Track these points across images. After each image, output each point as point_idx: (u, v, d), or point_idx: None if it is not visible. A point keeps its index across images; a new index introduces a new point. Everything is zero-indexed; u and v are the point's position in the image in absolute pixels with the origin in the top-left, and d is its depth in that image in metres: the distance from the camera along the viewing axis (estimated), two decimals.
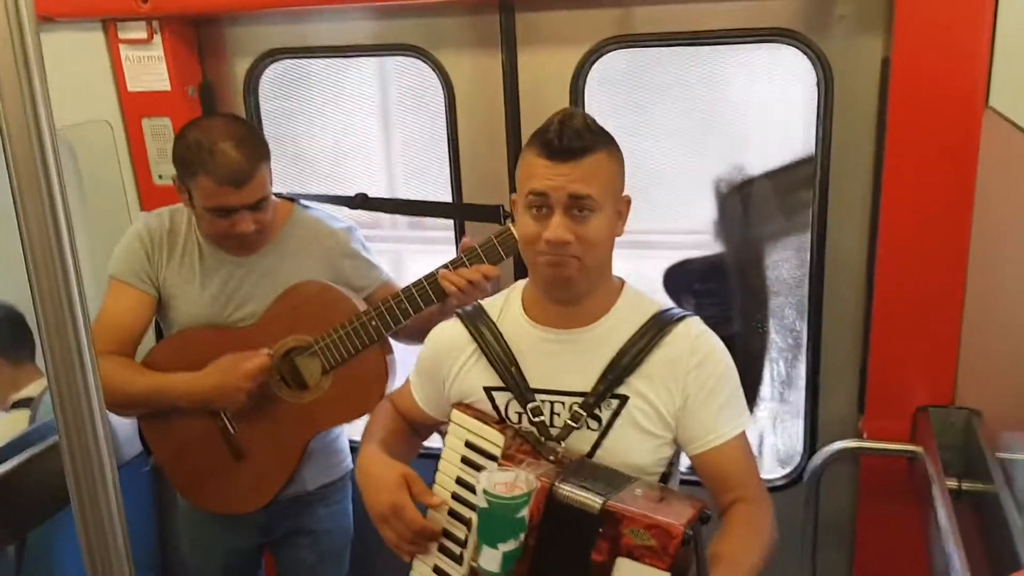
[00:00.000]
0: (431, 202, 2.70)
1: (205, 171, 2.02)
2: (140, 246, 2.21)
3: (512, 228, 2.03)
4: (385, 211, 2.63)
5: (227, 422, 2.23)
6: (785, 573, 2.51)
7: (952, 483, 2.06)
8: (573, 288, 1.66)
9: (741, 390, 1.72)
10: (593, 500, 1.47)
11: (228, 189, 2.03)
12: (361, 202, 2.49)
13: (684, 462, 1.81)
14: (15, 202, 0.88)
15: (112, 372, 2.10)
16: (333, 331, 2.15)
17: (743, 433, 1.71)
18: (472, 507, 1.62)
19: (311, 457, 2.30)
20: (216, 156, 2.02)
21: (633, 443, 1.67)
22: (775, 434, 2.70)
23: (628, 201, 1.69)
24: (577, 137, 1.57)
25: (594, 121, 1.63)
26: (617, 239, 1.70)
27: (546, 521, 1.51)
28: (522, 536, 1.49)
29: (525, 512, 1.48)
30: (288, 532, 2.43)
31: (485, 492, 1.47)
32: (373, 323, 2.14)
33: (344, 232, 2.32)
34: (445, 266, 2.13)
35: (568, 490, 1.50)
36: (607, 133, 1.65)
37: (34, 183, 0.88)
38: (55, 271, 0.90)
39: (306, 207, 2.36)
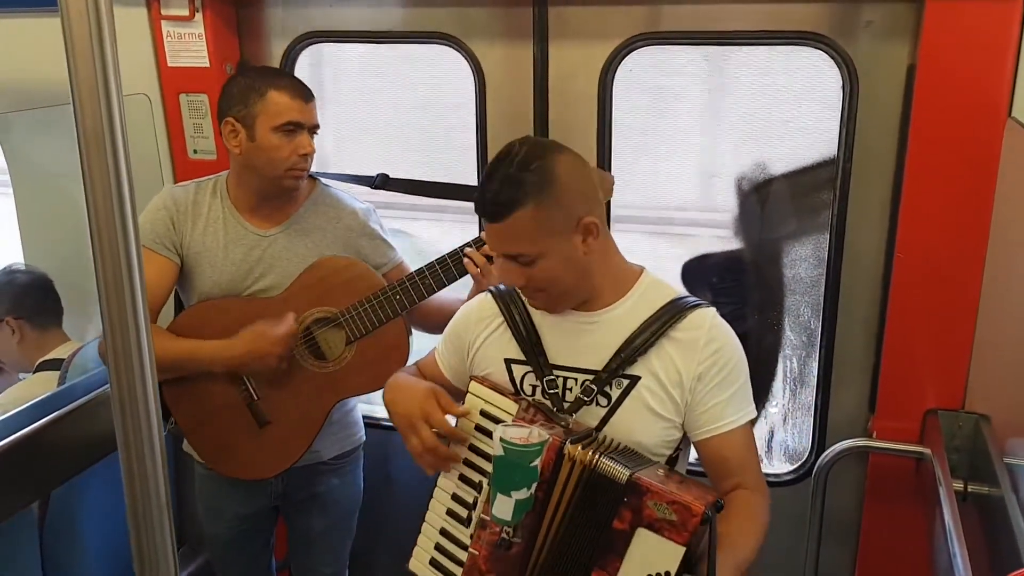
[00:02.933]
0: (451, 184, 2.71)
1: (276, 86, 2.18)
2: (166, 213, 2.27)
3: None
4: (406, 192, 2.66)
5: (251, 389, 2.30)
6: (789, 567, 2.57)
7: (958, 485, 2.10)
8: (559, 309, 1.76)
9: (749, 381, 1.77)
10: (621, 471, 1.53)
11: (299, 103, 2.18)
12: (382, 183, 2.55)
13: (693, 452, 1.85)
14: (82, 164, 0.93)
15: None
16: (359, 304, 2.22)
17: (748, 423, 1.75)
18: (483, 472, 1.68)
19: (328, 428, 2.37)
20: (282, 76, 2.24)
21: (640, 422, 1.72)
22: (785, 430, 2.74)
23: (593, 224, 1.66)
24: (495, 200, 1.62)
25: (523, 166, 1.61)
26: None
27: (573, 485, 1.57)
28: (533, 486, 1.55)
29: (538, 462, 1.54)
30: (301, 499, 2.50)
31: (501, 440, 1.53)
32: (397, 297, 2.21)
33: (364, 212, 2.38)
34: (469, 244, 2.20)
35: (598, 458, 1.55)
36: (535, 179, 1.60)
37: (101, 147, 0.93)
38: (116, 234, 0.95)
39: (327, 185, 2.42)
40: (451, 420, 1.75)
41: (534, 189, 1.60)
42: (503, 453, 1.53)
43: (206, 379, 2.29)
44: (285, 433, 2.32)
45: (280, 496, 2.49)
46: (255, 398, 2.30)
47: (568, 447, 1.57)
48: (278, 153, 2.18)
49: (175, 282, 2.31)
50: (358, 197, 2.45)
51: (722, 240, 2.68)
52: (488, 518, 1.59)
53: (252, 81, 2.20)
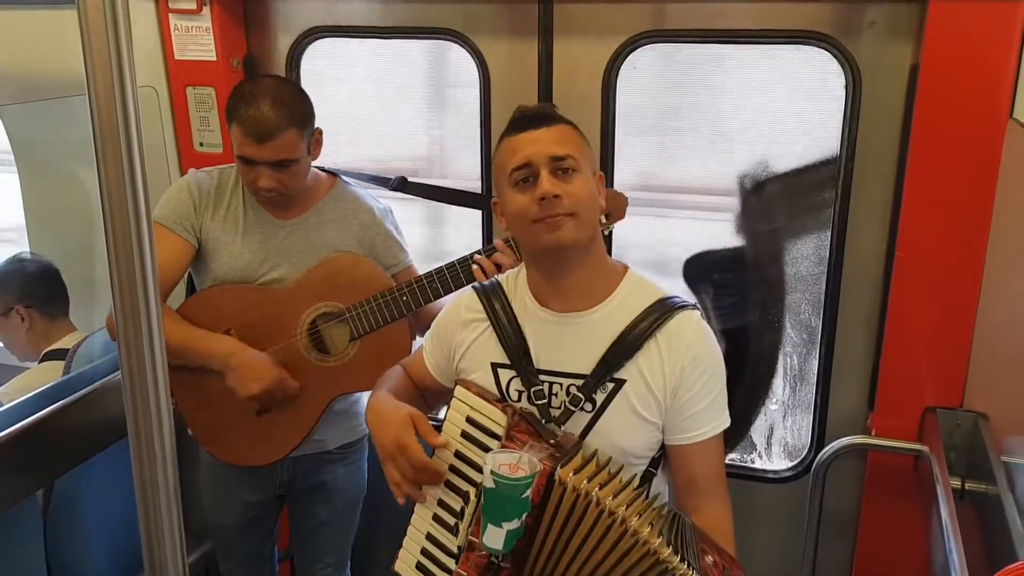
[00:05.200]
0: (468, 192, 2.74)
1: (238, 121, 2.15)
2: (188, 197, 2.30)
3: None
4: (423, 196, 2.67)
5: None
6: (787, 562, 2.59)
7: (956, 483, 2.11)
8: (571, 253, 1.68)
9: (725, 388, 1.76)
10: (685, 571, 1.50)
11: (251, 142, 2.14)
12: (400, 185, 2.57)
13: None
14: (96, 155, 0.95)
15: None
16: (365, 302, 2.24)
17: (720, 433, 1.75)
18: (469, 480, 1.67)
19: (334, 418, 2.39)
20: (250, 109, 2.13)
21: (625, 427, 1.71)
22: (784, 426, 2.75)
23: (602, 178, 1.77)
24: (543, 109, 1.74)
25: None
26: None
27: (566, 512, 1.56)
28: (525, 516, 1.54)
29: (529, 493, 1.53)
30: (306, 487, 2.53)
31: (492, 473, 1.52)
32: (404, 298, 2.23)
33: (381, 211, 2.41)
34: (479, 251, 2.20)
35: (659, 544, 1.51)
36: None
37: (115, 139, 0.94)
38: (129, 223, 0.96)
39: (348, 182, 2.44)
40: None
41: (570, 121, 1.76)
42: (494, 486, 1.52)
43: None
44: (281, 423, 2.34)
45: (286, 485, 2.52)
46: None
47: (559, 472, 1.56)
48: (244, 178, 2.24)
49: (189, 264, 2.34)
50: (377, 197, 2.47)
51: (721, 223, 2.69)
52: (477, 540, 1.58)
53: (235, 101, 2.17)
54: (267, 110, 2.13)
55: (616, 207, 2.14)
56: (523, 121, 1.70)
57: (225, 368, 2.25)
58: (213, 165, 2.41)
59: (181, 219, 2.29)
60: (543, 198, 1.63)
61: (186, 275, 2.40)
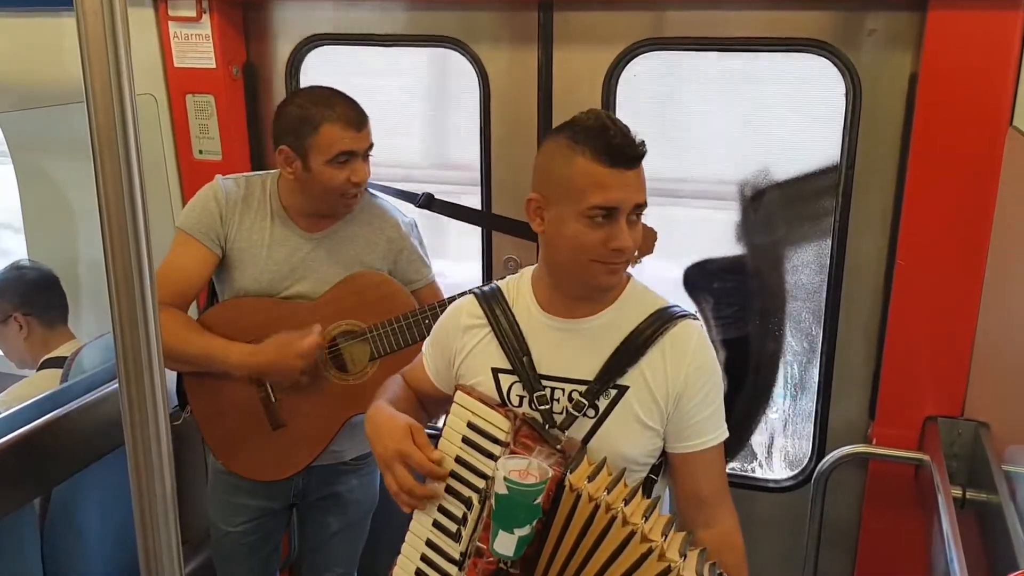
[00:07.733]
0: (496, 215, 2.73)
1: (329, 120, 2.15)
2: (215, 206, 2.28)
3: None
4: (449, 215, 2.65)
5: (270, 391, 2.30)
6: (788, 572, 2.58)
7: (957, 492, 2.12)
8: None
9: (723, 402, 1.76)
10: None
11: (352, 132, 2.15)
12: (427, 202, 2.56)
13: None
14: (94, 161, 0.94)
15: (172, 327, 2.15)
16: (388, 323, 2.23)
17: (722, 444, 1.74)
18: (471, 486, 1.65)
19: (351, 430, 2.36)
20: (335, 106, 2.16)
21: (627, 434, 1.70)
22: (785, 436, 2.75)
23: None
24: (639, 148, 1.60)
25: None
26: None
27: (584, 521, 1.54)
28: (535, 522, 1.54)
29: (541, 499, 1.52)
30: (320, 497, 2.51)
31: (506, 479, 1.51)
32: (427, 321, 2.20)
33: (406, 225, 2.40)
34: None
35: None
36: None
37: (113, 145, 0.94)
38: (127, 230, 0.96)
39: (374, 195, 2.43)
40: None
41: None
42: (507, 492, 1.51)
43: (228, 374, 2.28)
44: (296, 439, 2.33)
45: (300, 493, 2.50)
46: (272, 400, 2.30)
47: (570, 478, 1.55)
48: (332, 183, 2.19)
49: (212, 274, 2.32)
50: (402, 210, 2.46)
51: (724, 234, 2.69)
52: (484, 547, 1.57)
53: (306, 111, 2.16)
54: (348, 100, 2.19)
55: (646, 242, 2.14)
56: (619, 156, 1.58)
57: (260, 375, 2.26)
58: (213, 172, 2.40)
59: (207, 228, 2.27)
60: (617, 249, 1.60)
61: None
